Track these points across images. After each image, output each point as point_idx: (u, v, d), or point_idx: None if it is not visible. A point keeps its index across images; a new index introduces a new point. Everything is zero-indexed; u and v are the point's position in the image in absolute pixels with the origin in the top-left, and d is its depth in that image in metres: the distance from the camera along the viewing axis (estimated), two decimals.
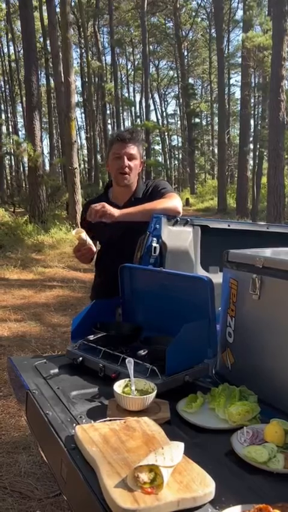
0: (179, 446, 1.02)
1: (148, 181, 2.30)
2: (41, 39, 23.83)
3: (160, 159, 41.50)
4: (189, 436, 1.19)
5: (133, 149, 2.11)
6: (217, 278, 1.61)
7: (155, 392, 1.29)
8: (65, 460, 1.08)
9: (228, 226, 2.29)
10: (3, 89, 32.92)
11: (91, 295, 2.48)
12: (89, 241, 2.06)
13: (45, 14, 19.69)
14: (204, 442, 1.17)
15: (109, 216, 1.97)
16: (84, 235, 2.01)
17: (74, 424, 1.20)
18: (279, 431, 1.13)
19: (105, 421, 1.19)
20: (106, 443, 1.06)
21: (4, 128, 30.60)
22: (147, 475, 0.91)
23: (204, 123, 40.40)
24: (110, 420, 1.19)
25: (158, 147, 45.99)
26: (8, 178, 33.43)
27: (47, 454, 1.31)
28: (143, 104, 29.85)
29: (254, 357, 1.43)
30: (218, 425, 1.24)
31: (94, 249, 2.13)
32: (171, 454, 0.97)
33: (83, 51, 27.54)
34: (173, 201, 2.08)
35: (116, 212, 1.99)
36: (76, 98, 14.26)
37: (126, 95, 39.98)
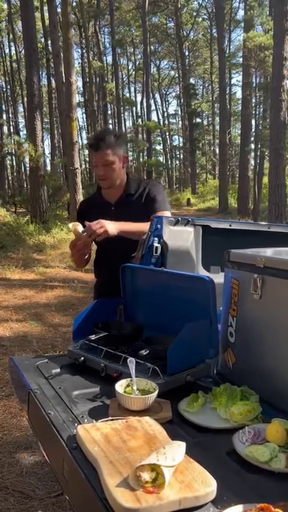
0: (181, 445, 1.02)
1: (142, 179, 2.31)
2: (42, 40, 23.88)
3: (161, 159, 41.57)
4: (191, 435, 1.19)
5: (106, 155, 2.10)
6: (218, 278, 1.61)
7: (156, 392, 1.29)
8: (67, 460, 1.08)
9: (230, 226, 2.29)
10: (4, 89, 32.98)
11: (94, 295, 2.49)
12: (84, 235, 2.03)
13: (46, 14, 19.73)
14: (206, 441, 1.17)
15: (104, 234, 1.98)
16: (80, 228, 2.00)
17: (76, 424, 1.20)
18: (280, 431, 1.13)
19: (106, 420, 1.19)
20: (108, 442, 1.06)
21: (5, 128, 30.66)
22: (149, 474, 0.92)
23: (205, 123, 40.39)
24: (112, 420, 1.19)
25: (159, 147, 46.04)
26: (10, 178, 33.50)
27: (48, 453, 1.31)
28: (144, 104, 29.82)
29: (255, 356, 1.43)
30: (219, 424, 1.24)
31: (90, 246, 2.12)
32: (173, 453, 0.97)
33: (84, 51, 27.54)
34: None
35: (112, 229, 1.99)
36: (77, 98, 14.29)
37: (128, 95, 40.00)
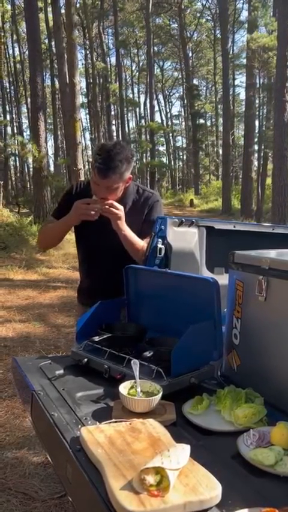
0: (185, 448, 1.01)
1: (144, 191, 2.15)
2: (46, 41, 23.93)
3: (164, 159, 41.63)
4: (195, 438, 1.19)
5: (111, 181, 1.91)
6: (222, 279, 1.61)
7: (160, 394, 1.29)
8: (70, 462, 1.07)
9: (234, 227, 2.28)
10: (8, 90, 33.04)
11: (78, 298, 2.37)
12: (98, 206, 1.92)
13: (50, 16, 19.76)
14: (210, 444, 1.16)
15: (116, 219, 1.92)
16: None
17: (80, 426, 1.19)
18: (286, 434, 1.12)
19: (110, 422, 1.19)
20: (112, 444, 1.05)
21: (9, 129, 30.72)
22: (154, 477, 0.91)
23: (208, 124, 40.39)
24: (116, 422, 1.19)
25: (162, 148, 46.07)
26: (13, 179, 33.55)
27: (52, 455, 1.30)
28: (148, 105, 29.91)
29: (260, 358, 1.42)
30: (224, 427, 1.24)
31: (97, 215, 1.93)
32: (177, 456, 0.97)
33: (88, 52, 27.63)
34: None
35: (122, 227, 1.94)
36: (81, 99, 14.32)
37: (131, 95, 40.06)
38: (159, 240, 1.98)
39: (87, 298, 2.26)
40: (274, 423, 1.18)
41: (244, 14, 32.45)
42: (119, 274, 1.93)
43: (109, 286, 2.04)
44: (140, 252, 2.02)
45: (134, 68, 41.23)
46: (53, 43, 20.57)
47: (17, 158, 29.09)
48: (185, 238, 2.08)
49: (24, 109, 33.53)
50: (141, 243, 2.03)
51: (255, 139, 20.47)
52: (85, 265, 2.28)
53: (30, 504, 2.18)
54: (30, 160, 15.07)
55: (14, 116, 33.95)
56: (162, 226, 1.99)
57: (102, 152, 1.93)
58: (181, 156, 47.63)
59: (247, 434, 1.15)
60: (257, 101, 20.88)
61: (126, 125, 31.83)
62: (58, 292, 6.89)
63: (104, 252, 2.10)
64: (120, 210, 1.93)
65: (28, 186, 27.89)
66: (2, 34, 26.00)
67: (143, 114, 40.14)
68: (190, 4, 32.02)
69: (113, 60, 33.19)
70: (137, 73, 40.45)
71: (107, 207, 1.91)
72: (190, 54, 36.22)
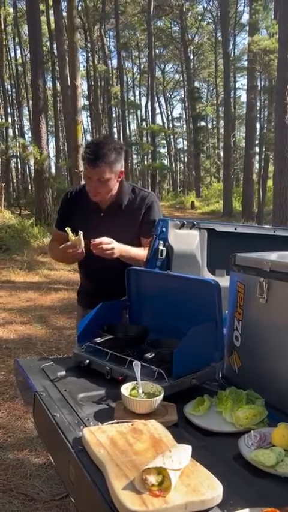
0: (187, 449, 1.02)
1: (140, 190, 2.16)
2: (48, 43, 23.98)
3: (166, 162, 41.65)
4: (197, 439, 1.19)
5: (102, 172, 1.95)
6: (224, 281, 1.61)
7: (162, 395, 1.29)
8: (73, 462, 1.08)
9: (235, 229, 2.29)
10: (10, 92, 33.14)
11: (78, 300, 2.39)
12: (83, 245, 1.96)
13: (52, 18, 19.83)
14: (212, 445, 1.17)
15: (109, 256, 1.93)
16: (82, 235, 1.93)
17: (82, 426, 1.20)
18: (286, 435, 1.13)
19: (112, 423, 1.20)
20: (114, 445, 1.06)
21: (10, 131, 30.80)
22: (155, 477, 0.92)
23: (209, 126, 40.41)
24: (118, 423, 1.19)
25: (163, 150, 46.13)
26: (14, 181, 33.60)
27: (54, 456, 1.31)
28: (149, 107, 29.96)
29: (261, 360, 1.43)
30: (225, 428, 1.24)
31: (84, 252, 1.98)
32: (179, 457, 0.97)
33: (89, 54, 27.70)
34: None
35: (117, 254, 1.95)
36: (82, 101, 14.31)
37: (132, 98, 40.16)
38: (161, 242, 1.98)
39: (86, 300, 2.28)
40: (275, 424, 1.18)
41: (245, 17, 32.47)
42: (116, 275, 1.95)
43: (107, 288, 2.06)
44: (142, 262, 2.02)
45: (135, 70, 41.36)
46: (54, 45, 20.65)
47: (19, 160, 29.14)
48: (186, 241, 2.09)
49: (25, 111, 33.57)
50: (143, 253, 2.03)
51: (257, 142, 20.49)
52: (83, 268, 2.29)
53: (31, 505, 2.19)
54: (31, 162, 15.08)
55: (15, 118, 34.03)
56: (164, 229, 2.00)
57: (91, 145, 2.00)
58: (182, 159, 47.69)
59: (248, 436, 1.16)
60: (258, 103, 20.89)
61: (127, 127, 31.90)
62: (59, 294, 6.90)
63: (96, 255, 2.10)
64: (110, 245, 1.92)
65: (29, 188, 27.95)
66: (4, 37, 26.08)
67: (144, 117, 40.23)
68: (191, 7, 32.08)
69: (115, 62, 33.35)
70: (139, 75, 40.53)
71: (98, 247, 1.89)
72: (191, 57, 36.32)
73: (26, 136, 30.59)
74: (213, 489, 0.92)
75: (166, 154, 45.79)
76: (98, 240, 1.91)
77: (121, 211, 2.06)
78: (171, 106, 55.14)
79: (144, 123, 37.89)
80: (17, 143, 18.13)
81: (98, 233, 1.99)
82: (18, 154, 16.67)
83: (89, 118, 36.76)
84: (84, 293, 2.34)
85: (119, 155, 2.00)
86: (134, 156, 37.47)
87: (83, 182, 2.19)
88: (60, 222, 2.20)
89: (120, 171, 2.03)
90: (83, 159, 2.06)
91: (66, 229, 1.97)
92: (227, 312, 1.60)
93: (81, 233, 1.94)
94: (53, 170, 24.14)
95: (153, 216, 2.11)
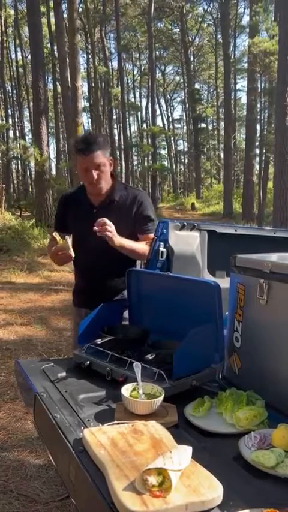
0: (187, 450, 1.02)
1: (132, 188, 2.23)
2: (49, 45, 24.02)
3: (166, 163, 41.62)
4: (197, 440, 1.19)
5: (97, 157, 2.02)
6: (224, 283, 1.62)
7: (162, 396, 1.30)
8: (73, 463, 1.08)
9: (235, 231, 2.29)
10: (10, 94, 33.17)
11: (73, 299, 2.42)
12: (71, 248, 1.98)
13: (52, 20, 19.85)
14: (212, 446, 1.17)
15: (109, 239, 1.94)
16: (69, 241, 1.97)
17: (82, 427, 1.21)
18: (287, 436, 1.13)
19: (113, 424, 1.20)
20: (114, 446, 1.06)
21: (11, 133, 30.83)
22: (156, 478, 0.92)
23: (210, 127, 40.42)
24: (118, 423, 1.20)
25: (164, 152, 46.13)
26: (15, 182, 33.64)
27: (55, 456, 1.31)
28: (149, 109, 29.98)
29: (261, 361, 1.43)
30: (225, 429, 1.24)
31: (73, 255, 2.00)
32: (180, 457, 0.98)
33: (90, 56, 27.73)
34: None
35: (117, 241, 1.97)
36: (83, 103, 14.35)
37: (133, 99, 40.18)
38: (161, 243, 1.99)
39: (80, 299, 2.34)
40: (275, 425, 1.19)
41: (245, 19, 32.51)
42: (108, 274, 1.99)
43: (99, 287, 2.12)
44: (142, 255, 2.04)
45: (135, 72, 41.39)
46: (55, 47, 20.67)
47: (19, 162, 29.14)
48: (186, 242, 2.10)
49: (26, 113, 33.57)
50: (140, 246, 2.05)
51: (257, 143, 20.48)
52: (77, 267, 2.33)
53: (31, 507, 2.19)
54: (32, 163, 15.11)
55: (16, 119, 34.04)
56: (164, 230, 2.01)
57: (79, 139, 2.09)
58: (182, 160, 47.72)
59: (248, 437, 1.16)
60: (258, 105, 20.88)
61: (128, 129, 31.88)
62: (60, 295, 6.90)
63: (91, 252, 2.13)
64: (111, 229, 1.93)
65: (30, 189, 27.96)
66: (5, 38, 26.12)
67: (144, 118, 40.25)
68: (192, 9, 32.11)
69: (115, 64, 33.31)
70: (139, 77, 40.56)
71: (101, 227, 1.91)
72: (192, 59, 36.35)
73: (27, 137, 30.63)
74: (213, 490, 0.93)
75: (166, 155, 45.83)
76: (102, 220, 1.93)
77: (113, 207, 2.10)
78: (172, 108, 55.21)
79: (144, 125, 37.92)
80: (18, 144, 18.15)
81: (92, 229, 2.00)
82: (18, 155, 16.71)
83: (89, 119, 36.77)
84: (78, 292, 2.38)
85: (106, 143, 2.10)
86: (135, 158, 37.49)
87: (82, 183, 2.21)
88: (57, 224, 2.30)
89: (110, 159, 2.11)
90: (74, 159, 2.11)
91: (53, 234, 2.04)
92: (227, 313, 1.60)
93: (67, 237, 1.98)
94: (54, 172, 24.14)
95: (146, 211, 2.13)
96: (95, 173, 2.04)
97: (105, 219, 1.93)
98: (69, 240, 1.97)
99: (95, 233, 1.97)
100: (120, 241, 1.98)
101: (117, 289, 2.13)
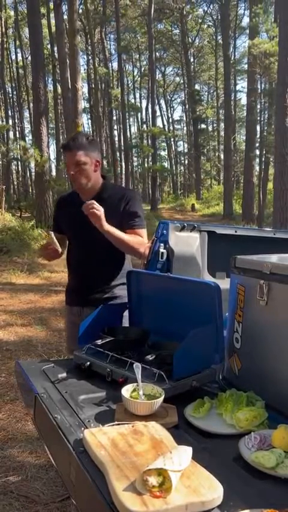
0: (187, 450, 1.03)
1: (122, 188, 2.31)
2: (49, 46, 24.04)
3: (166, 164, 41.66)
4: (197, 441, 1.20)
5: (77, 155, 2.09)
6: (224, 284, 1.62)
7: (162, 397, 1.30)
8: (74, 464, 1.09)
9: (235, 232, 2.30)
10: (10, 95, 33.21)
11: (65, 299, 2.45)
12: (57, 243, 2.13)
13: (52, 21, 19.88)
14: (212, 447, 1.17)
15: (97, 220, 1.97)
16: (53, 235, 2.12)
17: (82, 428, 1.21)
18: (286, 437, 1.13)
19: (113, 425, 1.20)
20: (114, 447, 1.06)
21: (11, 134, 30.85)
22: (156, 478, 0.92)
23: (210, 129, 40.45)
24: (118, 424, 1.20)
25: (164, 153, 46.20)
26: (15, 183, 33.66)
27: (55, 457, 1.31)
28: (149, 110, 29.99)
29: (261, 362, 1.43)
30: (225, 430, 1.25)
31: (60, 250, 2.17)
32: (180, 458, 0.98)
33: (90, 57, 27.77)
34: (140, 242, 2.09)
35: (104, 225, 1.99)
36: (83, 104, 14.36)
37: (133, 100, 40.21)
38: (161, 244, 2.00)
39: (71, 298, 2.38)
40: (275, 426, 1.19)
41: (245, 20, 32.61)
42: (95, 271, 2.03)
43: (88, 284, 2.18)
44: (133, 249, 2.06)
45: (136, 73, 41.44)
46: (55, 48, 20.70)
47: (19, 163, 29.17)
48: (186, 243, 2.10)
49: (26, 114, 33.60)
50: (130, 238, 2.06)
51: (257, 144, 20.49)
52: (68, 263, 2.38)
53: (32, 507, 2.19)
54: (32, 164, 15.13)
55: (16, 120, 34.08)
56: (164, 231, 2.02)
57: (67, 139, 2.17)
58: (183, 161, 47.76)
59: (248, 437, 1.16)
60: (258, 106, 20.88)
61: (128, 130, 31.87)
62: (60, 296, 6.89)
63: (81, 248, 2.20)
64: (98, 208, 1.97)
65: (30, 190, 27.98)
66: (5, 39, 26.14)
67: (144, 119, 40.30)
68: (192, 10, 32.13)
69: (115, 65, 33.36)
70: (139, 78, 40.62)
71: (89, 207, 1.96)
72: (192, 60, 36.38)
73: (27, 138, 30.64)
74: (213, 490, 0.93)
75: (166, 156, 45.88)
76: (91, 201, 1.99)
77: (103, 204, 2.11)
78: (172, 108, 55.26)
79: (144, 126, 37.97)
80: (18, 146, 18.14)
81: (82, 224, 2.07)
82: (19, 156, 16.70)
83: (89, 120, 36.86)
84: (70, 291, 2.41)
85: (93, 144, 2.16)
86: (135, 159, 37.55)
87: None
88: (54, 225, 2.41)
89: (96, 159, 2.15)
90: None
91: (49, 232, 2.18)
92: (227, 314, 1.60)
93: (51, 233, 2.14)
94: (54, 172, 24.16)
95: (134, 207, 2.15)
96: (72, 169, 2.11)
97: (93, 201, 1.98)
98: (52, 234, 2.13)
99: (85, 228, 2.04)
100: (108, 226, 2.00)
101: (108, 286, 2.17)
